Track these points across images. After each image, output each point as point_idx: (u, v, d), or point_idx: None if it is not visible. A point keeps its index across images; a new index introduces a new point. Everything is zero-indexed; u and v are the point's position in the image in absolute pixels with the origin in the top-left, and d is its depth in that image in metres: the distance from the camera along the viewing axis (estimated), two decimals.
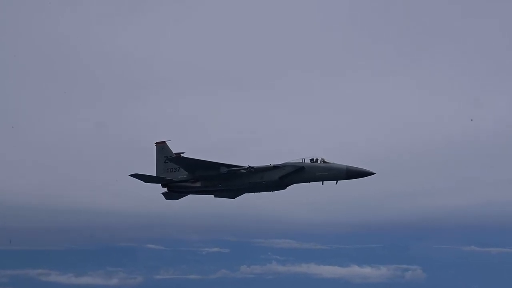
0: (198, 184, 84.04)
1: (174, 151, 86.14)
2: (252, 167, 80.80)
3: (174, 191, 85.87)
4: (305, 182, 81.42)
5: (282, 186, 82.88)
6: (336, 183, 79.33)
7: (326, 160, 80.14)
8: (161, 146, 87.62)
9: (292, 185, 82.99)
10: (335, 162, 79.57)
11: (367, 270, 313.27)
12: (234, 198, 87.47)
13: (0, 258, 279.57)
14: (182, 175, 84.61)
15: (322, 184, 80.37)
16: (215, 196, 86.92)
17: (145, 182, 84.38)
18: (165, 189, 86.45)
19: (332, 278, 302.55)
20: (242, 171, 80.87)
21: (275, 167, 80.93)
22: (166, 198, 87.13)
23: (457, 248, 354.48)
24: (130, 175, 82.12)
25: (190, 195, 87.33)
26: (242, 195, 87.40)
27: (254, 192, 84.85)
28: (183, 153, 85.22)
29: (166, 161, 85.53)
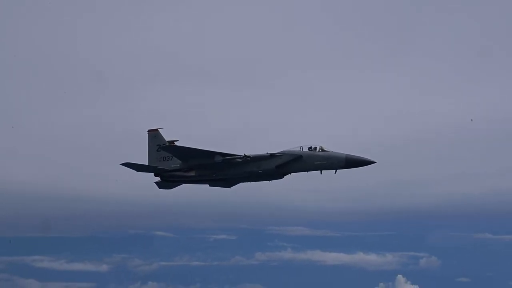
0: (192, 174, 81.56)
1: (167, 139, 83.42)
2: (248, 156, 78.23)
3: (168, 181, 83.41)
4: (303, 171, 78.82)
5: (279, 176, 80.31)
6: (335, 172, 76.67)
7: (324, 149, 77.39)
8: (154, 134, 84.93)
9: (290, 174, 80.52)
10: (334, 151, 76.66)
11: (372, 257, 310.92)
12: (230, 187, 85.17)
13: (9, 245, 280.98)
14: (176, 164, 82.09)
15: (321, 173, 77.68)
16: (210, 185, 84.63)
17: (137, 171, 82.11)
18: (158, 179, 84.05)
19: (335, 265, 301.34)
20: (238, 160, 78.45)
21: (272, 155, 78.34)
22: (160, 187, 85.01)
23: (471, 235, 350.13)
24: (121, 164, 79.81)
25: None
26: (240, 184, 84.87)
27: (250, 181, 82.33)
28: (176, 140, 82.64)
29: (159, 150, 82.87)
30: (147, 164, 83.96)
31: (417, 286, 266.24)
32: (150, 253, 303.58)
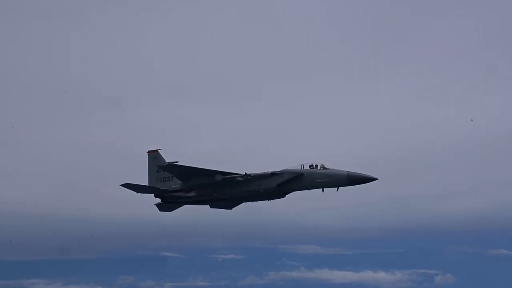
0: (192, 194, 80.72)
1: (167, 160, 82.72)
2: (249, 175, 77.34)
3: (168, 202, 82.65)
4: (305, 189, 77.74)
5: (281, 194, 79.19)
6: (337, 190, 75.43)
7: (326, 166, 76.26)
8: (154, 155, 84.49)
9: (291, 193, 79.45)
10: (335, 168, 75.52)
11: (380, 275, 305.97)
12: (231, 208, 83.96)
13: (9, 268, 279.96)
14: (176, 184, 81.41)
15: (323, 191, 76.45)
16: (211, 207, 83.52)
17: (137, 192, 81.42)
18: (158, 200, 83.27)
19: (342, 283, 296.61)
20: (239, 178, 77.52)
21: (273, 174, 77.37)
22: (160, 210, 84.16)
23: (486, 251, 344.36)
24: (121, 185, 79.13)
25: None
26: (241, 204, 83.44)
27: (252, 201, 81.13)
28: (176, 162, 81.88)
29: (159, 170, 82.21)
30: (147, 184, 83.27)
31: None
32: (160, 274, 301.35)
